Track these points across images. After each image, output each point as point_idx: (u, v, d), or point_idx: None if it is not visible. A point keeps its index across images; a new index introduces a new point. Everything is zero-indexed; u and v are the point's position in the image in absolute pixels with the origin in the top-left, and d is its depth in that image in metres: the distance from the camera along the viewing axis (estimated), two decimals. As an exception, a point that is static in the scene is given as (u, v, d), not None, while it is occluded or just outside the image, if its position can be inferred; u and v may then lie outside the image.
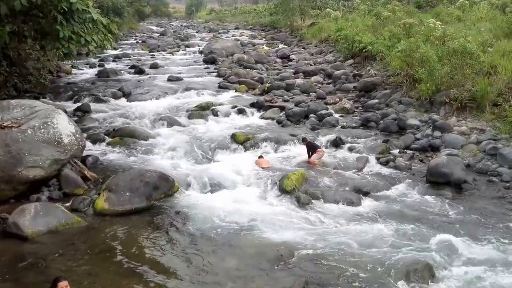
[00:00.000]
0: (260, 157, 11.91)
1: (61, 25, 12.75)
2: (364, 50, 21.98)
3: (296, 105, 16.89)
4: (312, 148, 12.02)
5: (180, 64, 28.50)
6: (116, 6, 39.63)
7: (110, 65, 27.34)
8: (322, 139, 13.15)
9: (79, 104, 17.07)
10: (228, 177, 10.88)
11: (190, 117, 15.88)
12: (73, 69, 25.28)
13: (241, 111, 16.48)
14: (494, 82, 13.51)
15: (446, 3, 28.12)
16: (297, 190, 10.03)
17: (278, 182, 10.33)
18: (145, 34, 52.92)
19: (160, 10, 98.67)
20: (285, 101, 17.97)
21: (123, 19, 43.30)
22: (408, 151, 12.40)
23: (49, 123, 10.36)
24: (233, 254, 7.88)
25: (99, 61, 28.28)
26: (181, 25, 76.59)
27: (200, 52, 33.12)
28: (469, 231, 8.38)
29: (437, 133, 12.81)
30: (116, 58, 30.52)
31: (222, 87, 20.60)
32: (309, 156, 11.93)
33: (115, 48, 30.97)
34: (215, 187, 10.47)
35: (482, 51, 14.73)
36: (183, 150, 12.53)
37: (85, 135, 12.43)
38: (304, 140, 12.40)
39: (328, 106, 16.72)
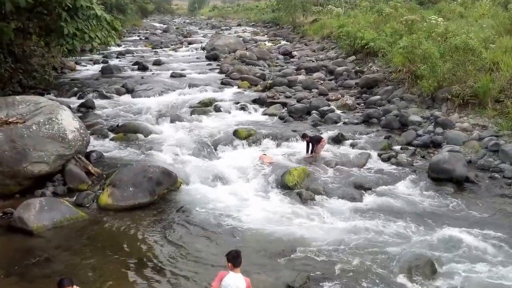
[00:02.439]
0: (263, 154, 11.97)
1: (66, 22, 12.86)
2: (366, 47, 22.03)
3: (298, 101, 16.95)
4: (316, 141, 12.09)
5: (183, 60, 28.56)
6: (119, 3, 39.61)
7: (113, 62, 27.44)
8: (324, 135, 13.15)
9: (83, 100, 17.18)
10: (230, 173, 10.94)
11: (192, 113, 15.95)
12: (77, 65, 25.41)
13: (243, 107, 16.56)
14: (496, 79, 13.52)
15: (448, -1, 28.10)
16: (299, 186, 10.09)
17: (280, 178, 10.38)
18: (148, 31, 52.97)
19: (163, 7, 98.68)
20: (287, 97, 18.04)
21: (126, 16, 43.35)
22: (410, 148, 12.43)
23: (53, 119, 10.43)
24: (235, 248, 7.87)
25: (102, 57, 28.42)
26: (184, 22, 76.65)
27: (203, 49, 33.18)
28: (471, 227, 8.40)
29: (439, 130, 12.84)
30: (120, 54, 30.63)
31: (224, 84, 20.68)
32: (312, 150, 12.00)
33: (118, 45, 31.12)
34: (217, 183, 10.51)
35: (484, 48, 14.72)
36: (185, 145, 12.59)
37: (89, 131, 12.48)
38: (304, 136, 12.38)
39: (330, 103, 16.78)
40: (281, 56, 28.52)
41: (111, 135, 13.51)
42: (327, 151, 12.36)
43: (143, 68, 24.83)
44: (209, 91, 19.20)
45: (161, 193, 9.80)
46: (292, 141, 13.05)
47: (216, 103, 16.91)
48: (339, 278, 7.02)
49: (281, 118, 15.50)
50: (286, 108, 16.23)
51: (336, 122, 14.84)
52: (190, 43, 38.49)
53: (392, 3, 25.56)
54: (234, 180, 10.65)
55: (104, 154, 12.00)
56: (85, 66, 25.99)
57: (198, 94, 18.74)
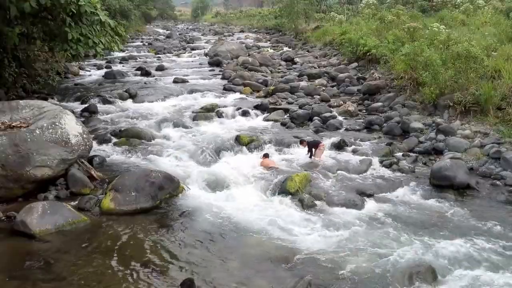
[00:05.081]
0: (266, 156, 11.96)
1: (70, 27, 12.88)
2: (368, 54, 22.08)
3: (300, 107, 16.97)
4: (314, 146, 12.14)
5: (186, 66, 28.63)
6: (123, 9, 39.81)
7: (117, 67, 27.54)
8: (326, 142, 13.18)
9: (86, 105, 17.22)
10: (232, 178, 10.93)
11: (195, 118, 15.99)
12: (80, 70, 25.49)
13: (245, 113, 16.59)
14: (498, 86, 13.48)
15: (450, 7, 28.11)
16: (300, 192, 10.05)
17: (281, 184, 10.36)
18: (151, 37, 53.15)
19: (166, 13, 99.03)
20: (289, 103, 18.08)
21: (130, 22, 43.48)
22: (412, 154, 12.40)
23: (57, 123, 10.46)
24: (237, 254, 7.93)
25: (106, 62, 28.51)
26: (187, 28, 76.96)
27: (206, 55, 33.29)
28: (472, 234, 8.37)
29: (440, 137, 12.81)
30: (123, 60, 30.70)
31: (227, 89, 20.73)
32: (312, 154, 12.05)
33: (122, 50, 31.17)
34: (219, 188, 10.52)
35: (486, 55, 14.75)
36: (188, 151, 12.63)
37: (92, 135, 12.53)
38: (302, 142, 12.46)
39: (332, 109, 16.80)
40: (283, 63, 28.55)
41: (114, 139, 13.52)
42: (329, 156, 12.37)
43: (146, 73, 24.89)
44: (211, 96, 19.25)
45: (163, 198, 9.80)
46: (294, 147, 13.03)
47: (219, 108, 16.94)
48: (340, 284, 7.01)
49: (283, 124, 15.52)
50: (288, 114, 16.25)
51: (338, 128, 14.85)
52: (193, 49, 38.63)
53: (395, 10, 25.64)
54: (236, 186, 10.64)
55: (107, 158, 12.05)
56: (89, 71, 26.09)
57: (200, 99, 18.78)
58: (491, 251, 7.82)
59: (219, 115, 16.38)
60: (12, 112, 10.75)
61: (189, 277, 6.48)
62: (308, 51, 33.08)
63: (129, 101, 18.56)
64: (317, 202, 9.75)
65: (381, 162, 11.94)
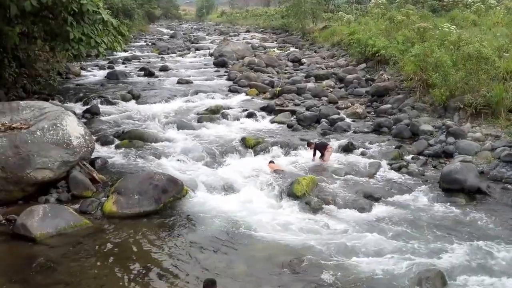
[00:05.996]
0: (271, 162, 11.79)
1: (71, 27, 12.77)
2: (377, 54, 21.87)
3: (307, 109, 16.77)
4: (322, 147, 12.00)
5: (190, 67, 28.55)
6: (126, 8, 39.84)
7: (119, 67, 27.49)
8: (334, 144, 13.00)
9: (88, 106, 17.12)
10: (238, 181, 10.79)
11: (199, 120, 15.83)
12: (82, 71, 25.43)
13: (251, 115, 16.41)
14: (510, 88, 13.33)
15: (461, 7, 27.91)
16: (307, 195, 9.90)
17: (288, 187, 10.21)
18: (155, 36, 53.27)
19: (170, 12, 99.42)
20: (296, 105, 17.91)
21: (133, 21, 43.55)
22: (421, 157, 12.22)
23: (58, 124, 10.32)
24: (242, 258, 7.83)
25: (108, 63, 28.42)
26: (192, 28, 77.11)
27: (211, 55, 33.18)
28: (482, 239, 8.20)
29: (450, 139, 12.62)
30: (126, 60, 30.66)
31: (232, 91, 20.59)
32: (319, 156, 11.95)
33: (125, 50, 31.16)
34: (224, 191, 10.39)
35: (498, 56, 14.55)
36: (192, 153, 12.46)
37: (94, 137, 12.38)
38: (310, 144, 12.32)
39: (339, 111, 16.58)
40: (290, 63, 28.37)
41: (117, 141, 13.39)
42: (337, 159, 12.18)
43: (149, 74, 24.78)
44: (216, 98, 19.11)
45: (166, 201, 9.64)
46: (300, 150, 12.84)
47: (224, 110, 16.78)
48: (347, 290, 6.88)
49: (289, 126, 15.31)
50: (295, 116, 16.06)
51: (346, 131, 14.63)
52: (197, 49, 38.53)
53: (404, 10, 25.45)
54: (241, 189, 10.48)
55: (109, 161, 11.92)
56: (91, 71, 26.02)
57: (205, 101, 18.64)
58: (502, 256, 7.66)
59: (224, 117, 16.21)
60: (13, 113, 10.63)
61: (210, 278, 6.39)
62: (315, 51, 32.86)
63: (132, 102, 18.44)
64: (324, 206, 9.60)
65: (390, 165, 11.76)
